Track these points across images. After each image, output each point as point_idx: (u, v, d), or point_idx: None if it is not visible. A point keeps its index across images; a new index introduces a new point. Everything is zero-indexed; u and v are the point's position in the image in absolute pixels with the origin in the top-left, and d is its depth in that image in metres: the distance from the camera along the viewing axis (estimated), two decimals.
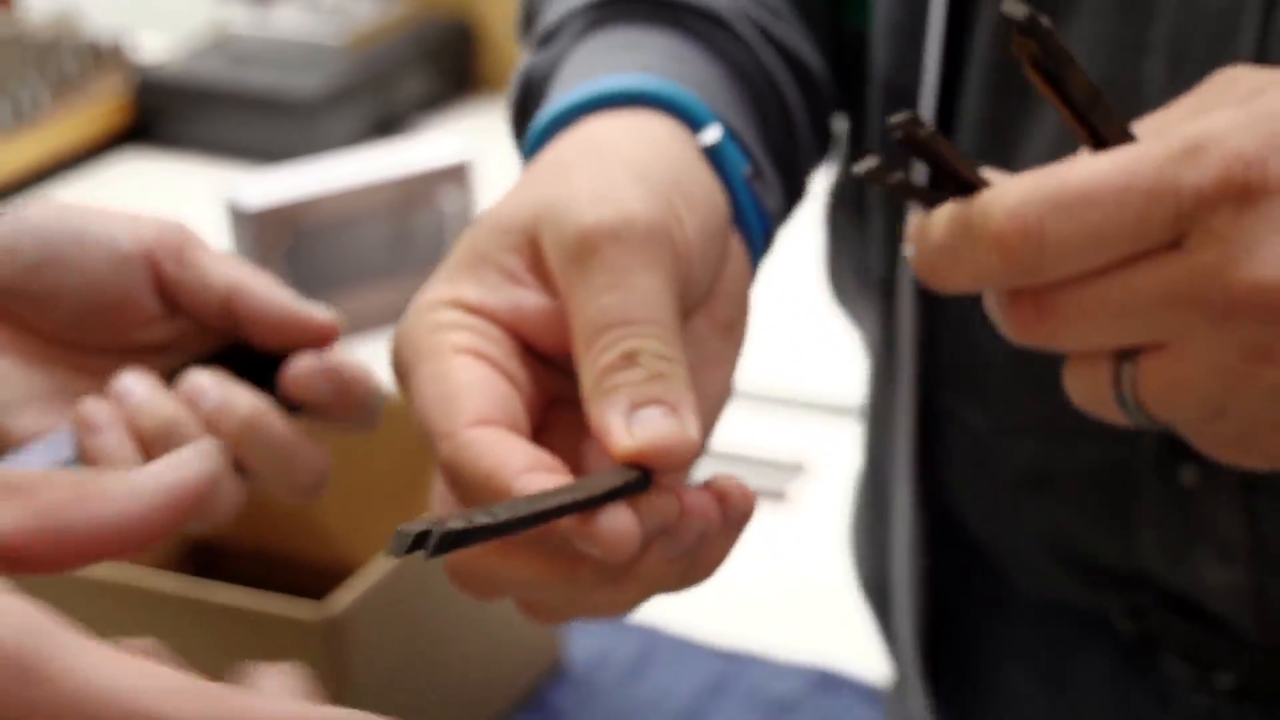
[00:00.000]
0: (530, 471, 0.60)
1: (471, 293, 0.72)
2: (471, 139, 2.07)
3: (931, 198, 0.65)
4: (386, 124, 2.29)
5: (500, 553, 0.69)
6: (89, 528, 0.49)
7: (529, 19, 0.95)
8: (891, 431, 1.01)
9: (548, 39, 0.89)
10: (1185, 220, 0.61)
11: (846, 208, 0.99)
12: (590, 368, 0.68)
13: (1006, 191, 0.62)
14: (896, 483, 0.99)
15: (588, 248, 0.71)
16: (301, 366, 0.80)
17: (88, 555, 0.49)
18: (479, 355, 0.70)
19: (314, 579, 1.38)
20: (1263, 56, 0.79)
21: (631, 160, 0.76)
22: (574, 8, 0.89)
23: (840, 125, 0.98)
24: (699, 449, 0.67)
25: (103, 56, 2.35)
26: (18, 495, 0.48)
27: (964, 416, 0.96)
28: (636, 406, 0.68)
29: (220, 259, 0.82)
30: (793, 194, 0.87)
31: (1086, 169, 0.62)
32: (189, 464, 0.51)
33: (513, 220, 0.73)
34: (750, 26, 0.89)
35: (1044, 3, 0.75)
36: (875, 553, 1.05)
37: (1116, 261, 0.63)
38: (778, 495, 1.64)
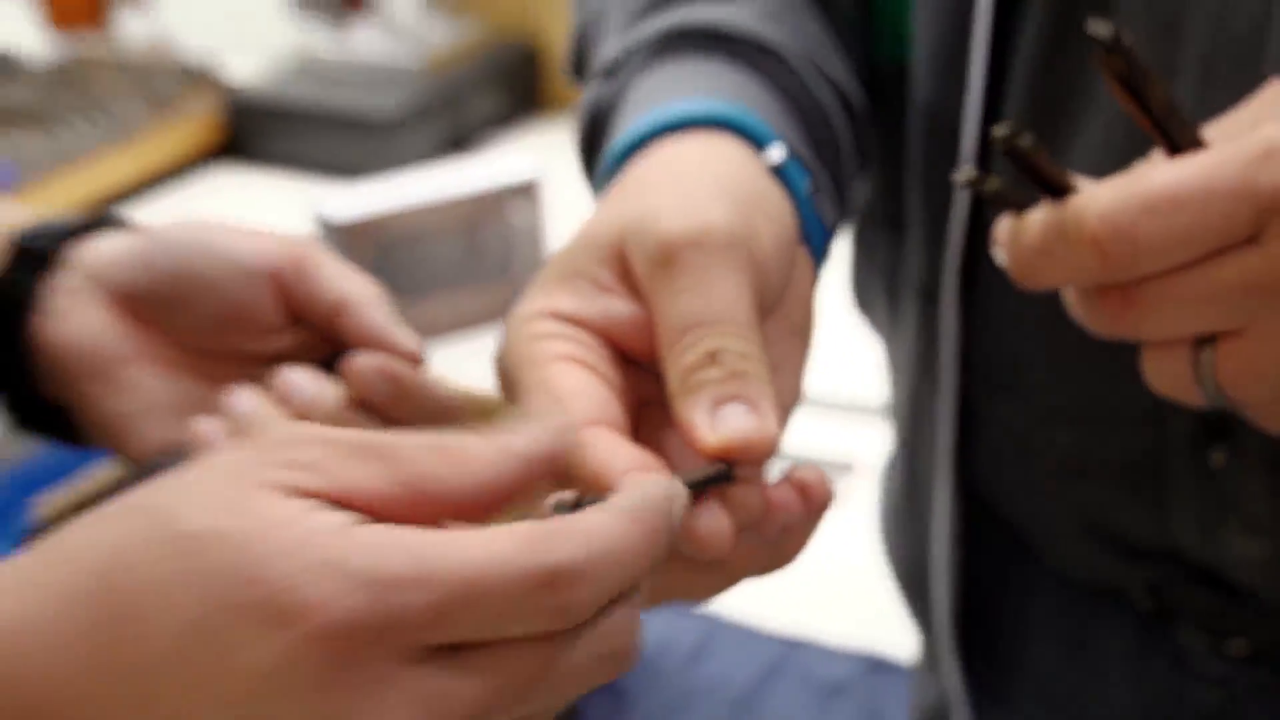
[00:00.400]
0: (634, 470, 0.61)
1: (566, 304, 0.72)
2: (538, 156, 2.08)
3: (1023, 203, 0.67)
4: (459, 142, 2.30)
5: None
6: (448, 492, 0.53)
7: (579, 56, 0.96)
8: (929, 429, 1.01)
9: (610, 72, 0.89)
10: (1265, 215, 0.63)
11: (880, 224, 1.00)
12: (675, 367, 0.69)
13: (1098, 196, 0.64)
14: (936, 476, 0.98)
15: (670, 255, 0.71)
16: (359, 364, 0.80)
17: (445, 516, 0.54)
18: (577, 361, 0.71)
19: None
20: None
21: (708, 177, 0.77)
22: (635, 41, 0.88)
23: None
24: (777, 444, 0.68)
25: (195, 78, 2.38)
26: (381, 459, 0.53)
27: (1001, 412, 0.96)
28: (719, 404, 0.68)
29: (337, 274, 0.83)
30: (841, 211, 0.88)
31: (1173, 174, 0.64)
32: (543, 433, 0.57)
33: (600, 236, 0.74)
34: (801, 59, 0.89)
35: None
36: (911, 542, 1.05)
37: (1201, 256, 0.64)
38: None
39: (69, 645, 0.52)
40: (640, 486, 0.57)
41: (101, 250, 0.83)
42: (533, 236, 1.85)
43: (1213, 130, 0.67)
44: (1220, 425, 0.79)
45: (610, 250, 0.73)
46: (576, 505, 0.57)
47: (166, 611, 0.51)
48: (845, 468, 1.63)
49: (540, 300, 0.73)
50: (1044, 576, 0.99)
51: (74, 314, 0.83)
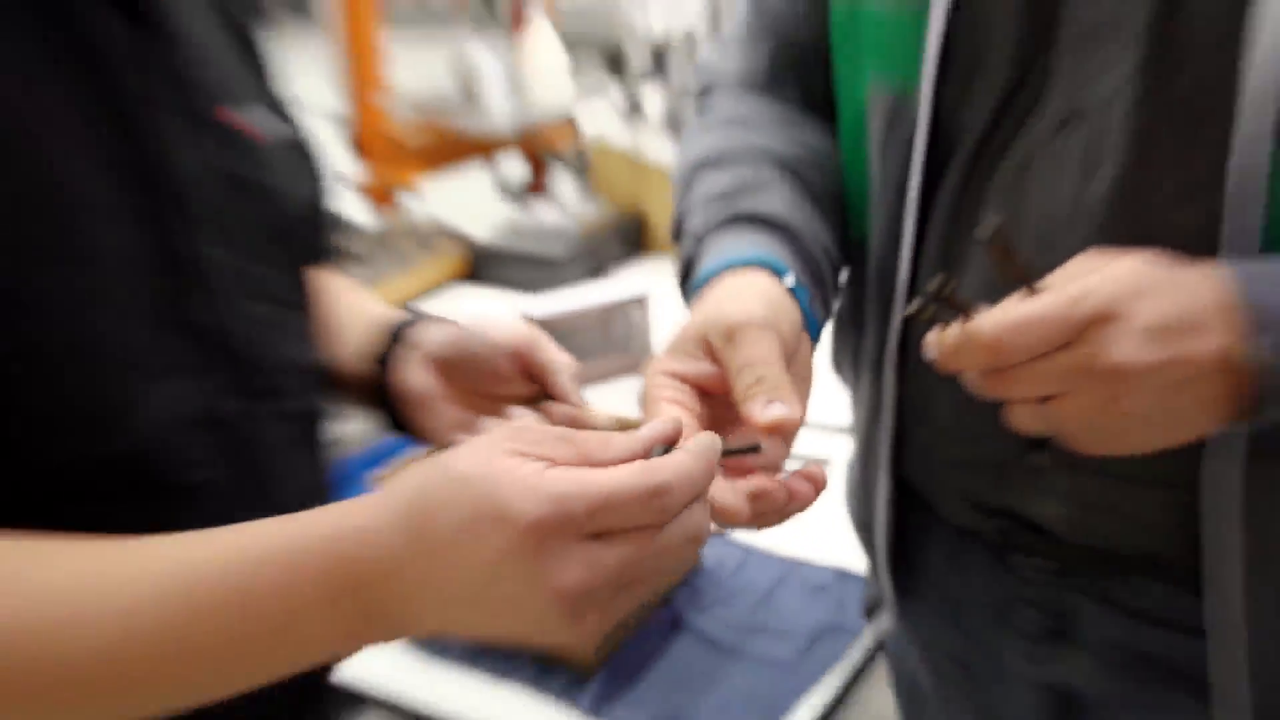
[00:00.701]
0: (696, 432, 0.64)
1: (675, 366, 0.77)
2: (645, 281, 2.12)
3: (946, 321, 0.70)
4: (598, 271, 2.32)
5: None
6: (601, 458, 0.56)
7: (678, 227, 0.96)
8: (875, 441, 1.00)
9: (699, 237, 0.90)
10: (1075, 332, 0.66)
11: (848, 323, 1.00)
12: (739, 387, 0.73)
13: (987, 320, 0.68)
14: (879, 469, 0.98)
15: (733, 331, 0.76)
16: (554, 409, 0.84)
17: None
18: (674, 402, 0.76)
19: None
20: (1100, 243, 0.75)
21: (752, 292, 0.80)
22: (713, 219, 0.90)
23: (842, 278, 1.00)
24: (798, 428, 0.74)
25: (449, 234, 2.42)
26: (564, 440, 0.56)
27: (919, 433, 0.95)
28: (766, 403, 0.72)
29: (549, 350, 0.85)
30: (826, 314, 0.91)
31: (1027, 308, 0.66)
32: (651, 429, 0.60)
33: (693, 328, 0.78)
34: (806, 232, 0.90)
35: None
36: (863, 506, 1.04)
37: (1041, 354, 0.67)
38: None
39: (393, 537, 0.56)
40: (699, 440, 0.59)
41: (425, 333, 0.86)
42: (642, 327, 1.90)
43: (1049, 280, 0.70)
44: (1040, 442, 0.78)
45: (698, 335, 0.77)
46: (666, 450, 0.59)
47: (446, 517, 0.54)
48: (825, 461, 1.58)
49: (660, 364, 0.78)
50: (938, 524, 0.98)
51: (411, 370, 0.86)
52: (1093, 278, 0.67)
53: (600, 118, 2.67)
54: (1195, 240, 0.70)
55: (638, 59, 2.60)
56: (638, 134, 2.47)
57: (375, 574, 0.55)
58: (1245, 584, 0.77)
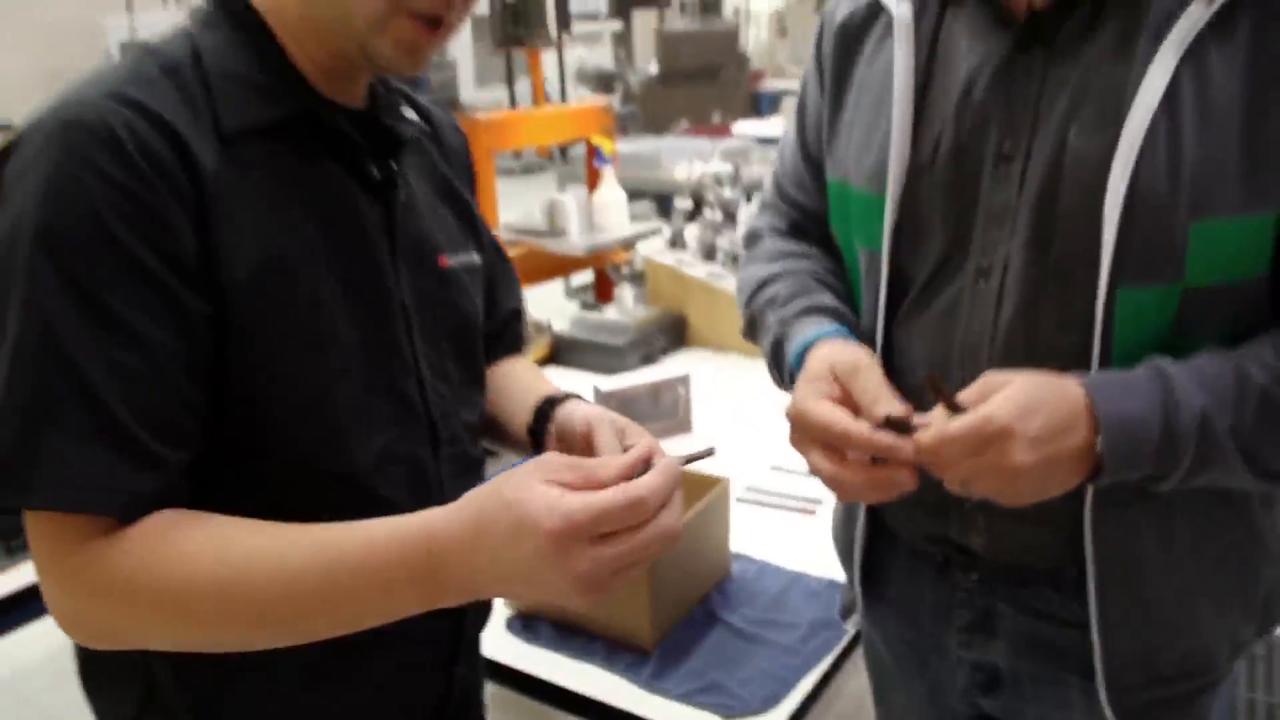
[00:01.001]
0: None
1: (825, 387, 0.79)
2: (686, 365, 2.10)
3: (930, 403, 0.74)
4: (650, 358, 2.27)
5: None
6: (602, 477, 0.59)
7: (752, 323, 0.99)
8: None
9: (783, 324, 0.92)
10: (986, 445, 0.70)
11: None
12: (862, 400, 0.78)
13: (926, 435, 0.72)
14: (858, 510, 0.97)
15: (852, 367, 0.80)
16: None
17: (606, 487, 0.59)
18: (827, 397, 0.78)
19: None
20: (1004, 362, 0.80)
21: (850, 347, 0.83)
22: (784, 316, 0.92)
23: None
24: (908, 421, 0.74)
25: (541, 329, 2.34)
26: (579, 469, 0.59)
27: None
28: (880, 410, 0.75)
29: (619, 420, 0.80)
30: None
31: (954, 427, 0.70)
32: (632, 454, 0.62)
33: (821, 368, 0.81)
34: (850, 316, 0.92)
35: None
36: (844, 535, 1.02)
37: (964, 456, 0.71)
38: (810, 509, 1.60)
39: (460, 538, 0.59)
40: (664, 461, 0.61)
41: (561, 406, 0.85)
42: (685, 400, 1.86)
43: (968, 394, 0.73)
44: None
45: (828, 372, 0.80)
46: (646, 468, 0.60)
47: (497, 527, 0.58)
48: (818, 502, 1.58)
49: (807, 386, 0.80)
50: (899, 548, 0.97)
51: (549, 429, 0.84)
52: (996, 399, 0.70)
53: (652, 243, 2.64)
54: (1071, 360, 0.75)
55: (680, 203, 2.57)
56: (680, 256, 2.45)
57: (447, 560, 0.59)
58: (1111, 592, 0.80)
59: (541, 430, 0.84)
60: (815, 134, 0.95)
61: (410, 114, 0.84)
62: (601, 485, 0.58)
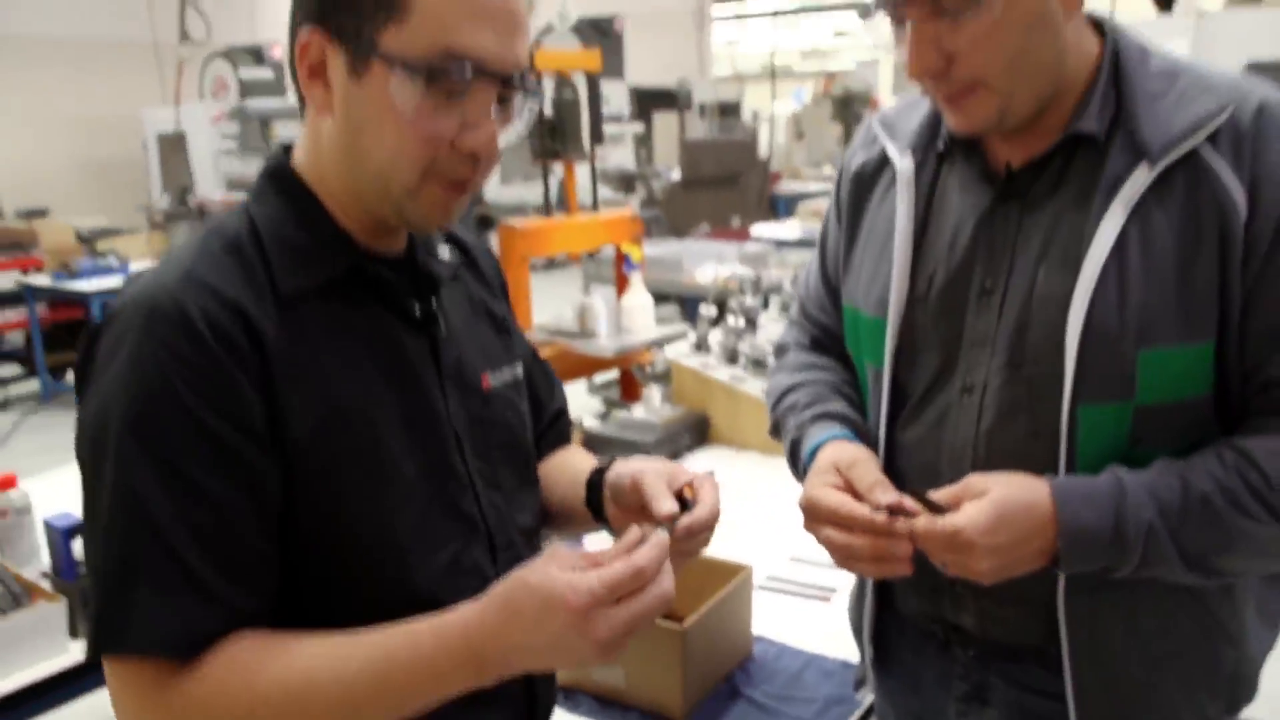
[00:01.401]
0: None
1: (830, 479, 0.85)
2: (709, 461, 2.23)
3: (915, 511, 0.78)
4: (675, 454, 2.33)
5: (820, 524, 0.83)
6: (608, 559, 0.63)
7: (777, 426, 1.04)
8: (865, 579, 1.03)
9: (800, 428, 0.96)
10: (956, 551, 0.77)
11: None
12: (862, 487, 0.83)
13: (919, 524, 0.78)
14: (868, 594, 1.01)
15: (852, 461, 0.86)
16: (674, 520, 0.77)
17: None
18: (833, 486, 0.84)
19: (675, 617, 1.28)
20: (984, 466, 0.83)
21: (853, 447, 0.89)
22: (802, 422, 0.96)
23: None
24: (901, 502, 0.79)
25: (573, 424, 2.16)
26: (591, 559, 0.64)
27: (894, 581, 0.98)
28: (881, 494, 0.81)
29: (666, 467, 0.81)
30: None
31: (936, 528, 0.77)
32: (629, 537, 0.66)
33: (827, 463, 0.87)
34: (859, 421, 0.96)
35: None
36: (856, 616, 1.06)
37: (940, 552, 0.77)
38: (825, 596, 1.66)
39: (495, 624, 0.64)
40: (655, 535, 0.65)
41: (609, 472, 0.88)
42: (713, 487, 1.75)
43: (948, 493, 0.79)
44: (958, 577, 0.82)
45: (833, 466, 0.87)
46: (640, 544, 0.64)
47: (527, 610, 0.62)
48: (832, 590, 1.65)
49: (817, 478, 0.86)
50: (905, 627, 1.00)
51: (604, 495, 0.87)
52: (969, 509, 0.76)
53: (677, 346, 2.68)
54: (1041, 465, 0.81)
55: (705, 310, 2.63)
56: (704, 359, 2.50)
57: (485, 645, 0.64)
58: (1083, 668, 0.85)
59: (597, 499, 0.87)
60: (834, 265, 1.03)
61: (444, 248, 0.86)
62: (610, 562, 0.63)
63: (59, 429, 5.03)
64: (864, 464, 0.84)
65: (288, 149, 0.78)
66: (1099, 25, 0.85)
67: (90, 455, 0.67)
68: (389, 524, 0.72)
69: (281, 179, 0.76)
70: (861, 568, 0.83)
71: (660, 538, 0.64)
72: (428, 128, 0.68)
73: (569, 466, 0.95)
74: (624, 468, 0.84)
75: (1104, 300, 0.78)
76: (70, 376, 5.62)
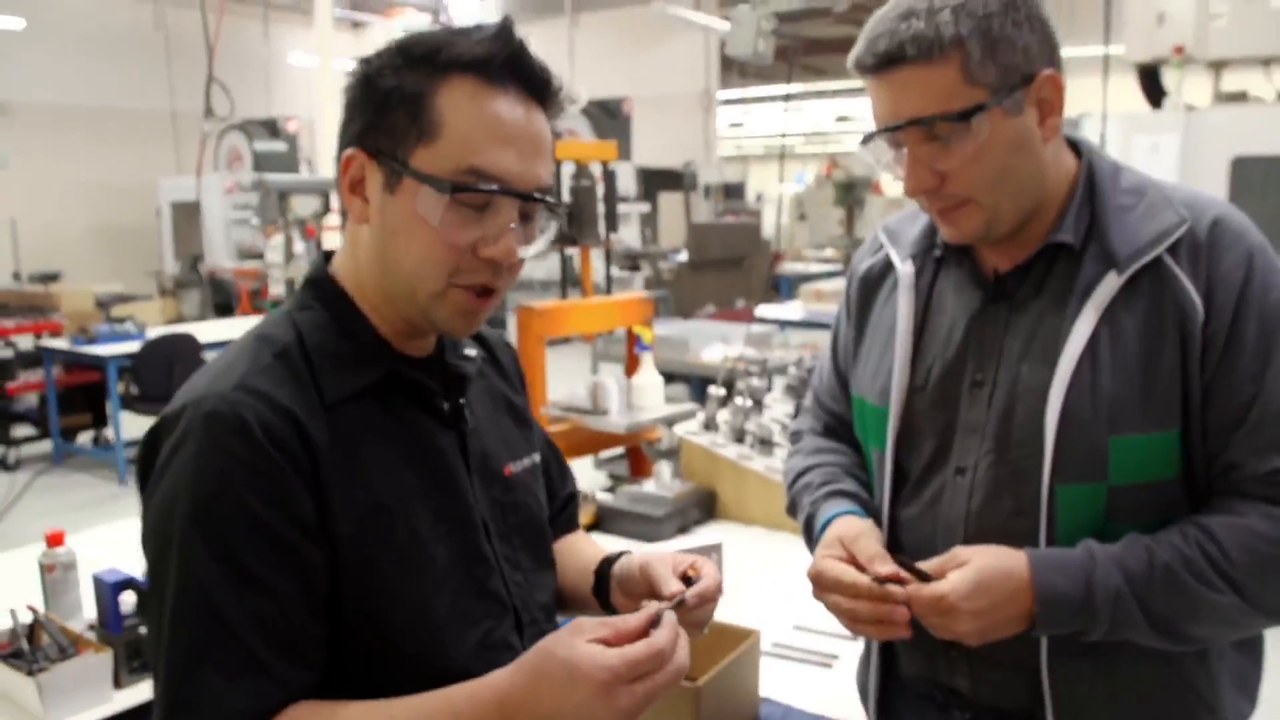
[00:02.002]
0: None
1: (835, 551, 0.91)
2: (718, 535, 2.23)
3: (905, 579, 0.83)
4: (685, 528, 2.36)
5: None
6: (628, 631, 0.66)
7: (793, 505, 1.09)
8: (870, 644, 1.09)
9: (813, 504, 1.02)
10: (940, 615, 0.82)
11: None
12: (863, 558, 0.88)
13: (910, 590, 0.83)
14: (872, 658, 1.07)
15: (855, 535, 0.92)
16: (687, 598, 0.81)
17: (632, 640, 0.65)
18: (838, 559, 0.89)
19: (689, 677, 1.07)
20: (973, 539, 0.88)
21: (857, 521, 0.95)
22: (815, 500, 1.02)
23: None
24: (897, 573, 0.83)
25: (584, 498, 2.34)
26: (609, 626, 0.67)
27: (896, 646, 1.04)
28: (881, 567, 0.85)
29: (672, 557, 0.86)
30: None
31: (923, 594, 0.82)
32: (644, 613, 0.68)
33: (833, 538, 0.92)
34: (866, 499, 1.01)
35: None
36: (862, 679, 1.10)
37: (928, 616, 0.82)
38: (828, 662, 1.70)
39: (527, 689, 0.66)
40: (666, 615, 0.67)
41: (616, 564, 0.93)
42: (720, 560, 1.82)
43: (936, 563, 0.84)
44: (955, 642, 0.88)
45: (838, 540, 0.92)
46: (654, 625, 0.66)
47: (555, 680, 0.64)
48: (836, 657, 1.69)
49: (825, 550, 0.91)
50: (907, 689, 1.05)
51: (611, 584, 0.93)
52: (953, 577, 0.80)
53: (687, 424, 2.71)
54: (1024, 539, 0.87)
55: (714, 391, 2.65)
56: (713, 438, 2.54)
57: (518, 711, 0.66)
58: None
59: (604, 590, 0.92)
60: (844, 358, 1.10)
61: (469, 346, 0.91)
62: (629, 632, 0.66)
63: (69, 490, 5.15)
64: (866, 537, 0.90)
65: (328, 255, 0.83)
66: (1076, 146, 0.93)
67: (156, 547, 0.72)
68: (425, 607, 0.76)
69: (323, 288, 0.81)
70: (865, 629, 0.89)
71: (671, 618, 0.68)
72: (452, 236, 0.73)
73: (578, 554, 1.00)
74: (632, 559, 0.90)
75: (1078, 390, 0.84)
76: (81, 438, 5.83)
